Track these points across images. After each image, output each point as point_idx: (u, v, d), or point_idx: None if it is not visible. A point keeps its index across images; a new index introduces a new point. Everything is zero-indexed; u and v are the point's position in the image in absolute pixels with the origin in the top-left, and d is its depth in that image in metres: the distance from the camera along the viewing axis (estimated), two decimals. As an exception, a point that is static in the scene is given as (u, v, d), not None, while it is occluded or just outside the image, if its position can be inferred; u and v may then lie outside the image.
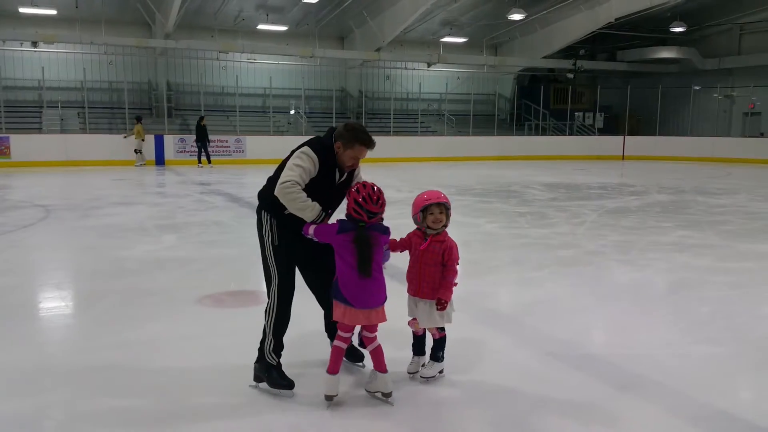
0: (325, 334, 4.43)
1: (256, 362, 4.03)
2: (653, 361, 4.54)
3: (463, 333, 5.07)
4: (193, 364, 4.42)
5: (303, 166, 3.80)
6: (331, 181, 3.99)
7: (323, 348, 4.30)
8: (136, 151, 22.43)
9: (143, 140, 22.56)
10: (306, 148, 3.90)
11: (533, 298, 6.24)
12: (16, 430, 3.51)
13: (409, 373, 4.18)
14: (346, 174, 4.06)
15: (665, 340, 5.07)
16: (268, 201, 3.98)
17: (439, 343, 4.15)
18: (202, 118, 22.76)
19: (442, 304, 3.95)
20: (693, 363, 4.59)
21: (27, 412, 3.72)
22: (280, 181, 3.79)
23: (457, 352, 4.55)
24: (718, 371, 4.44)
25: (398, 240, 4.11)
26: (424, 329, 4.19)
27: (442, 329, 4.15)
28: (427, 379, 4.09)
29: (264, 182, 4.13)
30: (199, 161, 22.70)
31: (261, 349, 4.01)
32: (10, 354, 4.65)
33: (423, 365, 4.17)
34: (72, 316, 5.81)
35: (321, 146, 3.96)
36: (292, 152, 3.98)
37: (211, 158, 22.79)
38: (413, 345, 4.25)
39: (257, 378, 4.00)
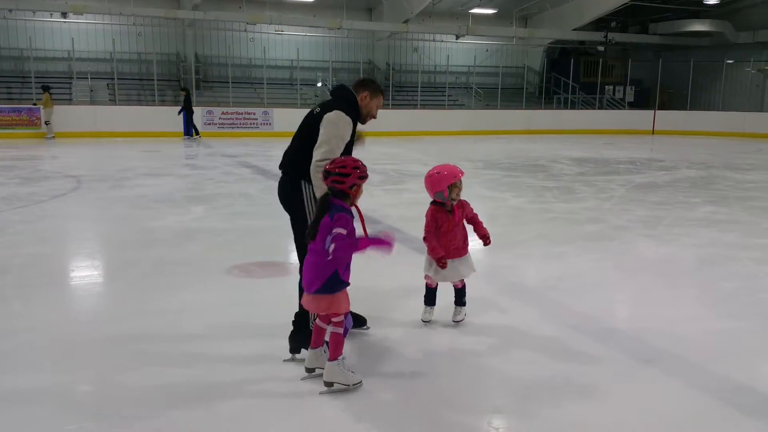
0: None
1: (294, 334, 4.08)
2: (676, 335, 4.57)
3: (487, 305, 5.15)
4: (221, 332, 4.53)
5: (342, 136, 3.82)
6: (352, 135, 4.13)
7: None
8: (45, 122, 21.37)
9: (52, 111, 21.47)
10: (339, 115, 3.91)
11: (558, 272, 6.26)
12: (51, 395, 3.63)
13: (423, 321, 4.65)
14: None
15: (689, 314, 5.09)
16: (306, 170, 3.94)
17: (462, 291, 4.67)
18: (183, 89, 22.60)
19: (489, 239, 4.58)
20: (716, 337, 4.61)
21: (61, 378, 3.86)
22: (321, 154, 3.77)
23: (481, 324, 4.63)
24: (741, 346, 4.46)
25: (428, 226, 4.45)
26: (437, 283, 4.64)
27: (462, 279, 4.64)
28: (458, 323, 4.62)
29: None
30: (186, 133, 22.25)
31: (302, 319, 4.07)
32: (44, 321, 4.79)
33: (453, 313, 4.66)
34: (104, 284, 5.95)
35: (348, 104, 4.04)
36: (315, 114, 4.03)
37: (200, 130, 22.57)
38: (426, 297, 4.68)
39: (295, 349, 4.04)
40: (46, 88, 21.57)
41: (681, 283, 6.04)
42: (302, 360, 3.98)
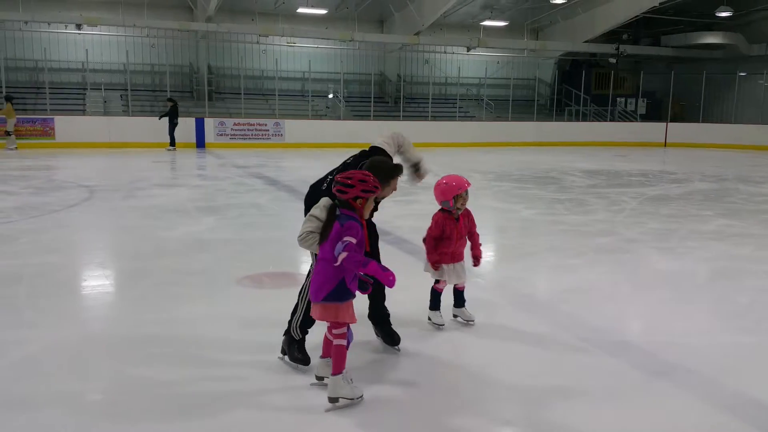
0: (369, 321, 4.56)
1: (284, 335, 4.20)
2: (688, 349, 4.53)
3: (498, 317, 5.13)
4: (231, 343, 4.54)
5: (320, 217, 3.71)
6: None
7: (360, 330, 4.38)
8: (7, 133, 20.68)
9: (15, 121, 20.94)
10: (327, 203, 3.76)
11: (570, 284, 6.23)
12: (63, 403, 3.64)
13: (440, 325, 4.82)
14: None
15: (702, 328, 5.05)
16: (309, 207, 3.98)
17: (463, 293, 4.94)
18: (170, 100, 22.29)
19: (480, 259, 4.84)
20: (728, 352, 4.56)
21: (72, 386, 3.87)
22: (301, 229, 3.74)
23: (491, 335, 4.62)
24: (754, 360, 4.42)
25: (433, 231, 4.70)
26: (443, 288, 4.89)
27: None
28: (473, 322, 4.88)
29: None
30: (171, 144, 21.94)
31: (289, 323, 4.17)
32: (55, 330, 4.81)
33: (463, 314, 4.92)
34: (115, 294, 5.97)
35: None
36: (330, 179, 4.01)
37: (176, 142, 22.07)
38: (437, 302, 4.89)
39: (283, 351, 4.19)
40: (9, 98, 21.06)
41: (694, 296, 5.99)
42: (291, 363, 4.10)
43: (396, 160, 4.32)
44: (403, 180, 4.21)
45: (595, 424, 3.46)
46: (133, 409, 3.58)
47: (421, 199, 11.28)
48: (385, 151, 4.30)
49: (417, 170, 4.59)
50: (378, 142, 4.37)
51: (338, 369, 3.58)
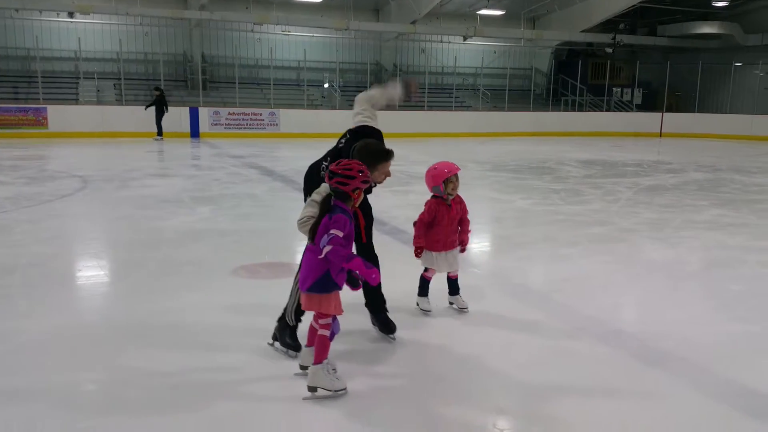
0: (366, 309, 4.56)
1: (277, 321, 4.20)
2: (682, 338, 4.55)
3: (492, 307, 5.14)
4: (227, 333, 4.52)
5: (319, 201, 3.73)
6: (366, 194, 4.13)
7: (354, 321, 4.38)
8: None
9: None
10: (326, 188, 3.77)
11: (564, 274, 6.24)
12: (59, 394, 3.63)
13: (427, 310, 4.91)
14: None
15: (695, 317, 5.06)
16: (308, 187, 4.04)
17: (456, 281, 4.99)
18: (157, 89, 22.18)
19: (466, 245, 4.90)
20: (722, 340, 4.58)
21: (66, 376, 3.86)
22: (301, 214, 3.74)
23: (485, 325, 4.63)
24: (747, 349, 4.44)
25: (426, 216, 4.75)
26: (431, 276, 4.95)
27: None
28: (467, 309, 4.94)
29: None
30: (159, 134, 21.82)
31: (285, 309, 4.16)
32: (49, 320, 4.79)
33: (458, 302, 4.97)
34: (110, 284, 5.94)
35: None
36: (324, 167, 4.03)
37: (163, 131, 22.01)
38: (422, 288, 4.97)
39: (274, 336, 4.19)
40: None
41: (688, 285, 6.01)
42: (280, 349, 4.13)
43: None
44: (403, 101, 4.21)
45: (588, 412, 3.46)
46: (128, 399, 3.57)
47: (417, 189, 11.27)
48: (373, 128, 4.29)
49: (407, 91, 4.59)
50: (359, 120, 4.34)
51: (319, 359, 3.57)
